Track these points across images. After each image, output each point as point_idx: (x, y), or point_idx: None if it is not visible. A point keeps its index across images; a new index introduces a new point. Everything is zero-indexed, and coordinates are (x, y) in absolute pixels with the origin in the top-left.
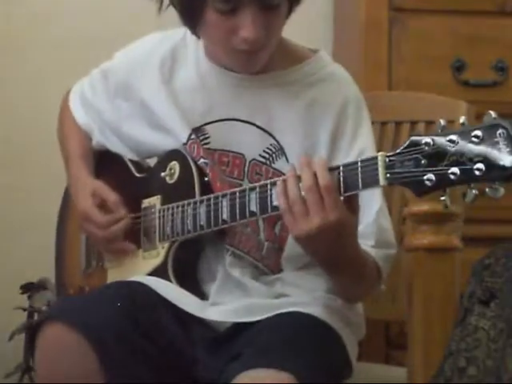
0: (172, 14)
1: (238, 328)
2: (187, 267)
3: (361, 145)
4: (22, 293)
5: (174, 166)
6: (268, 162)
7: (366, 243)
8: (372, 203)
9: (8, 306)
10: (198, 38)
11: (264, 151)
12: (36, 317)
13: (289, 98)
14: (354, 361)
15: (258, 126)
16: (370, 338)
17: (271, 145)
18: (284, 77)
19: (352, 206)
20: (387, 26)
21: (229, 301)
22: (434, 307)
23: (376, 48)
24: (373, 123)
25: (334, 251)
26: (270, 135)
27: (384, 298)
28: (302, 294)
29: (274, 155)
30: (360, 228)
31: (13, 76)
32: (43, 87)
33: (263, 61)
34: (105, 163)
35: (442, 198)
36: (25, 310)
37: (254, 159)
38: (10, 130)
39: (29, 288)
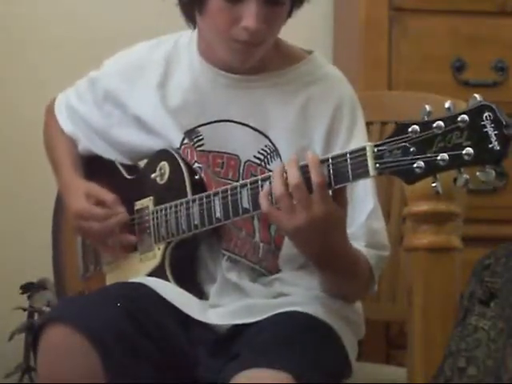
0: (170, 15)
1: (238, 329)
2: (185, 267)
3: (355, 145)
4: (22, 293)
5: (164, 166)
6: (263, 164)
7: (357, 244)
8: (365, 204)
9: (8, 306)
10: (194, 27)
11: (259, 152)
12: (36, 317)
13: (283, 99)
14: (353, 360)
15: (252, 127)
16: (369, 338)
17: (266, 146)
18: (279, 78)
19: (340, 199)
20: (387, 25)
21: (228, 303)
22: (433, 307)
23: (376, 48)
24: (373, 123)
25: (322, 245)
26: (265, 136)
27: (384, 297)
28: (301, 292)
29: (268, 156)
30: (351, 229)
31: (13, 76)
32: (43, 88)
33: (258, 57)
34: (94, 168)
35: (434, 185)
36: (25, 309)
37: (248, 160)
38: (10, 130)
39: (29, 288)
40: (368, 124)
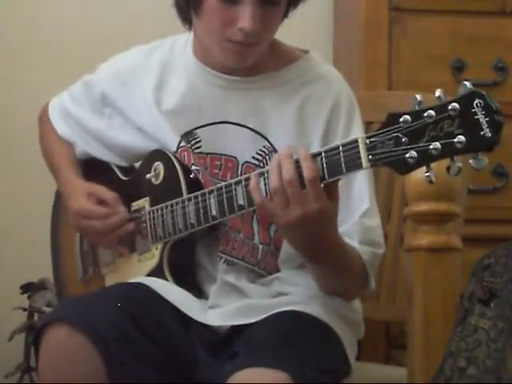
0: (168, 16)
1: (238, 329)
2: (183, 266)
3: None
4: (22, 293)
5: (158, 166)
6: (261, 164)
7: (352, 242)
8: (360, 203)
9: (8, 305)
10: (190, 29)
11: (257, 153)
12: (36, 317)
13: (281, 100)
14: (352, 360)
15: (250, 129)
16: (369, 338)
17: (264, 147)
18: (275, 78)
19: (332, 193)
20: (387, 25)
21: (227, 303)
22: (434, 307)
23: (376, 48)
24: (372, 123)
25: (313, 239)
26: (263, 137)
27: (384, 297)
28: (300, 291)
29: (267, 157)
30: (346, 227)
31: (11, 77)
32: (41, 88)
33: (253, 58)
34: (90, 170)
35: (427, 174)
36: (25, 309)
37: (246, 162)
38: (9, 130)
39: (29, 288)
40: (368, 124)
